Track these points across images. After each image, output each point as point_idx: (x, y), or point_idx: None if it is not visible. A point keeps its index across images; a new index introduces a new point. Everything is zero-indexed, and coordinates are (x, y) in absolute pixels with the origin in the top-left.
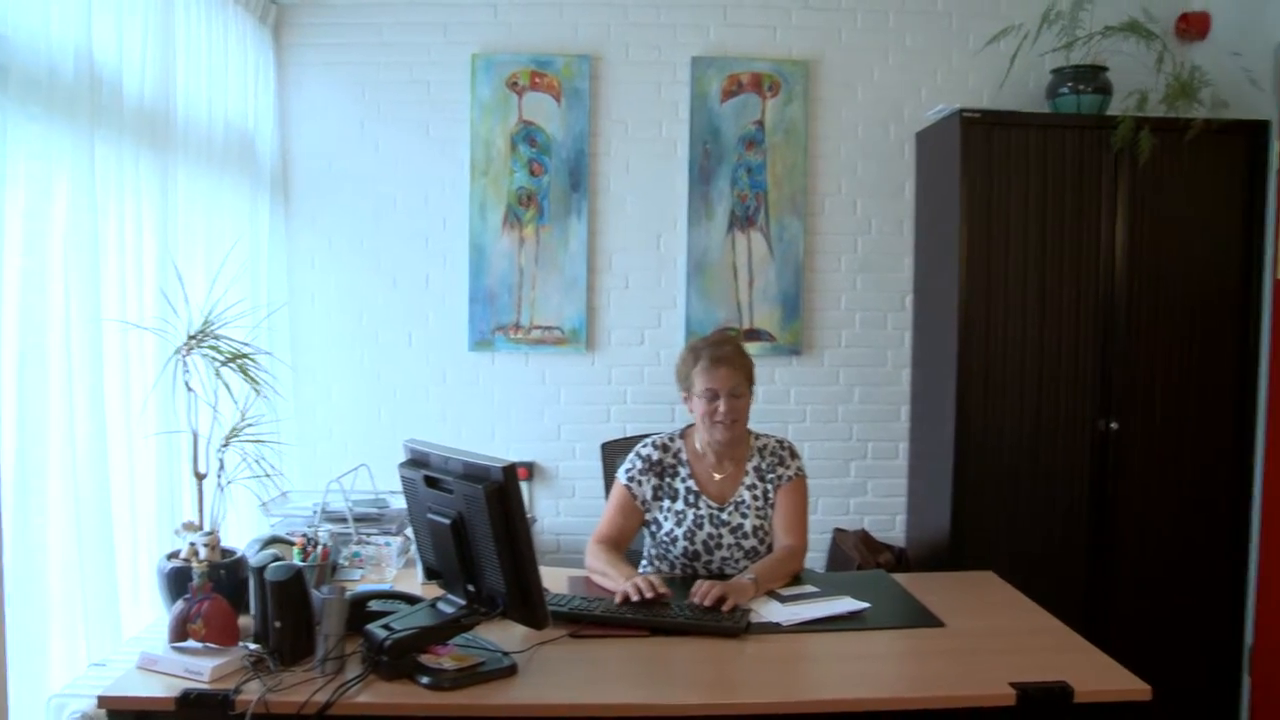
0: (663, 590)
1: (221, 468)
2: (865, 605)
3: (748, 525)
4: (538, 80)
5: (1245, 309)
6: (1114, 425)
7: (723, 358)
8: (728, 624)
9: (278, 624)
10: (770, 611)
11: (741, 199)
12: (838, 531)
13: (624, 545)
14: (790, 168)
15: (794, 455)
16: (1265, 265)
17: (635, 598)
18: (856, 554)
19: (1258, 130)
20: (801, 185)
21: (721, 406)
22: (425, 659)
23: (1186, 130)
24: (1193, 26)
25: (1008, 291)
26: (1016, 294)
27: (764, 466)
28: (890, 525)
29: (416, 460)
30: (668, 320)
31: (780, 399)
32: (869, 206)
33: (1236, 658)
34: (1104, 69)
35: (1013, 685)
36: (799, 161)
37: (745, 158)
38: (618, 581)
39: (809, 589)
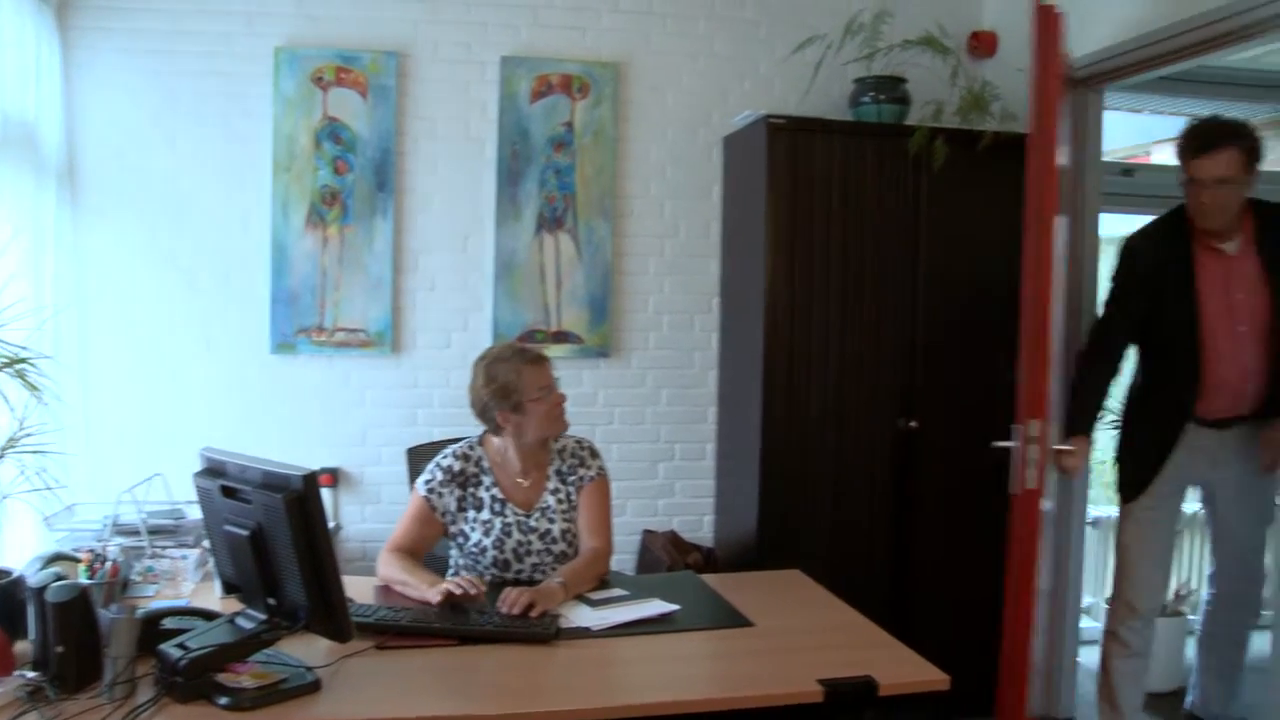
0: (481, 587)
1: None
2: (675, 607)
3: (555, 530)
4: (343, 76)
5: None
6: (914, 424)
7: (535, 358)
8: (536, 630)
9: (60, 649)
10: (580, 616)
11: (550, 200)
12: (646, 533)
13: (420, 556)
14: (599, 170)
15: (594, 455)
16: None
17: (458, 592)
18: (665, 555)
19: None
20: (610, 188)
21: (559, 393)
22: (224, 678)
23: (979, 141)
24: (983, 44)
25: (812, 294)
26: (820, 296)
27: (565, 469)
28: (699, 526)
29: (213, 469)
30: (475, 323)
31: (588, 401)
32: (677, 210)
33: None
34: (903, 80)
35: (820, 682)
36: (608, 164)
37: (554, 159)
38: (420, 588)
39: (618, 592)
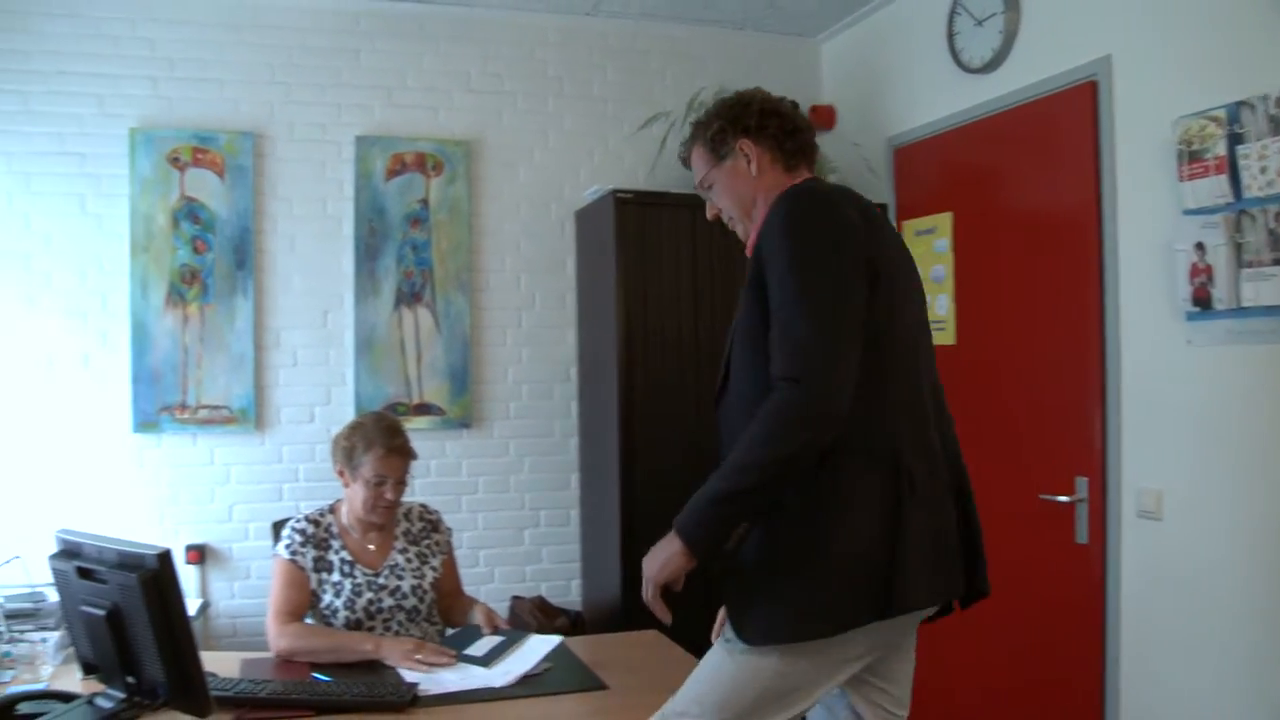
0: (448, 655)
1: None
2: (559, 639)
3: (405, 586)
4: (200, 156)
5: None
6: None
7: (397, 448)
8: (392, 698)
9: None
10: (480, 678)
11: (408, 276)
12: (515, 598)
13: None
14: (455, 245)
15: (440, 520)
16: None
17: (425, 668)
18: (533, 619)
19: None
20: (466, 262)
21: (388, 494)
22: None
23: None
24: (821, 118)
25: (664, 361)
26: (673, 364)
27: (415, 531)
28: (566, 590)
29: (68, 551)
30: (337, 396)
31: (452, 471)
32: (532, 282)
33: None
34: None
35: None
36: (464, 239)
37: (411, 235)
38: (364, 646)
39: (494, 640)
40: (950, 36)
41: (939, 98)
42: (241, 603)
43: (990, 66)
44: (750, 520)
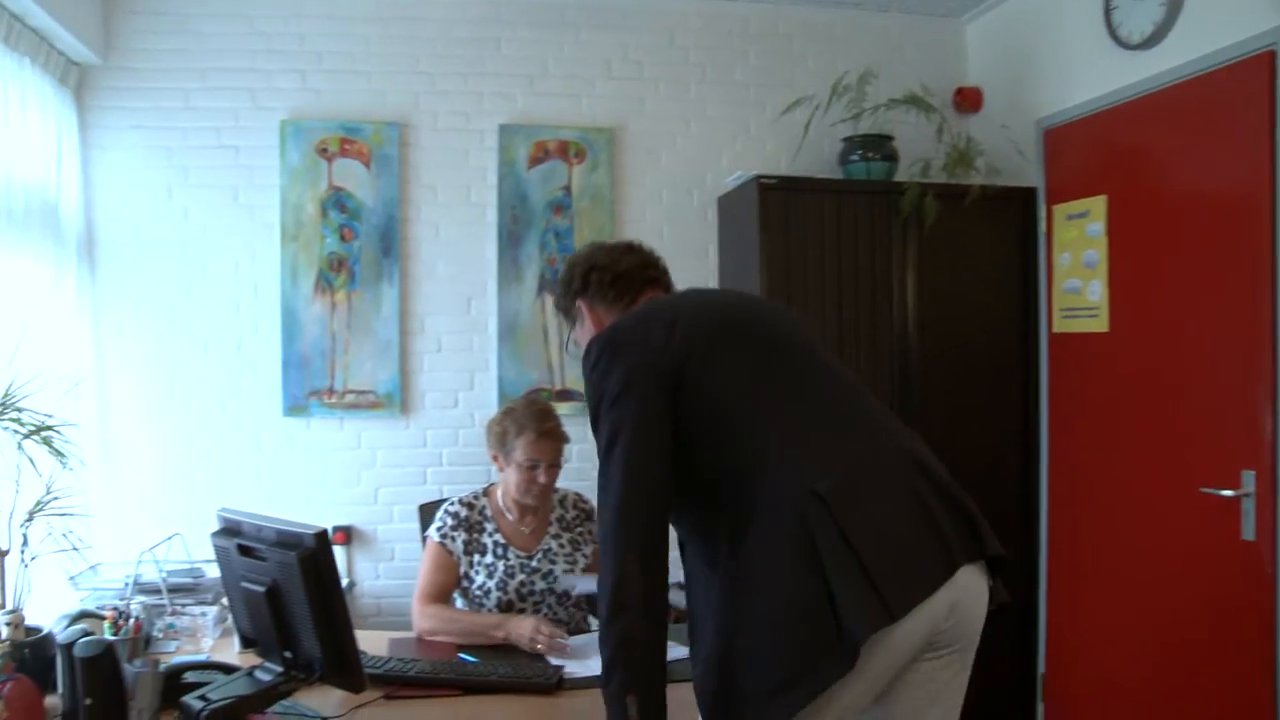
0: (565, 644)
1: (25, 543)
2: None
3: (558, 569)
4: (347, 147)
5: (1026, 360)
6: None
7: (549, 432)
8: (539, 681)
9: (88, 701)
10: (593, 667)
11: (550, 263)
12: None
13: (447, 604)
14: (597, 232)
15: (594, 511)
16: (1040, 320)
17: (542, 645)
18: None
19: (1027, 197)
20: None
21: (541, 477)
22: None
23: (965, 196)
24: (967, 100)
25: None
26: None
27: (569, 518)
28: None
29: (229, 529)
30: (481, 382)
31: (591, 457)
32: (674, 269)
33: (1031, 686)
34: (890, 138)
35: None
36: (606, 226)
37: (553, 222)
38: (497, 629)
39: None
40: (1107, 12)
41: (1093, 76)
42: (386, 583)
43: (1151, 41)
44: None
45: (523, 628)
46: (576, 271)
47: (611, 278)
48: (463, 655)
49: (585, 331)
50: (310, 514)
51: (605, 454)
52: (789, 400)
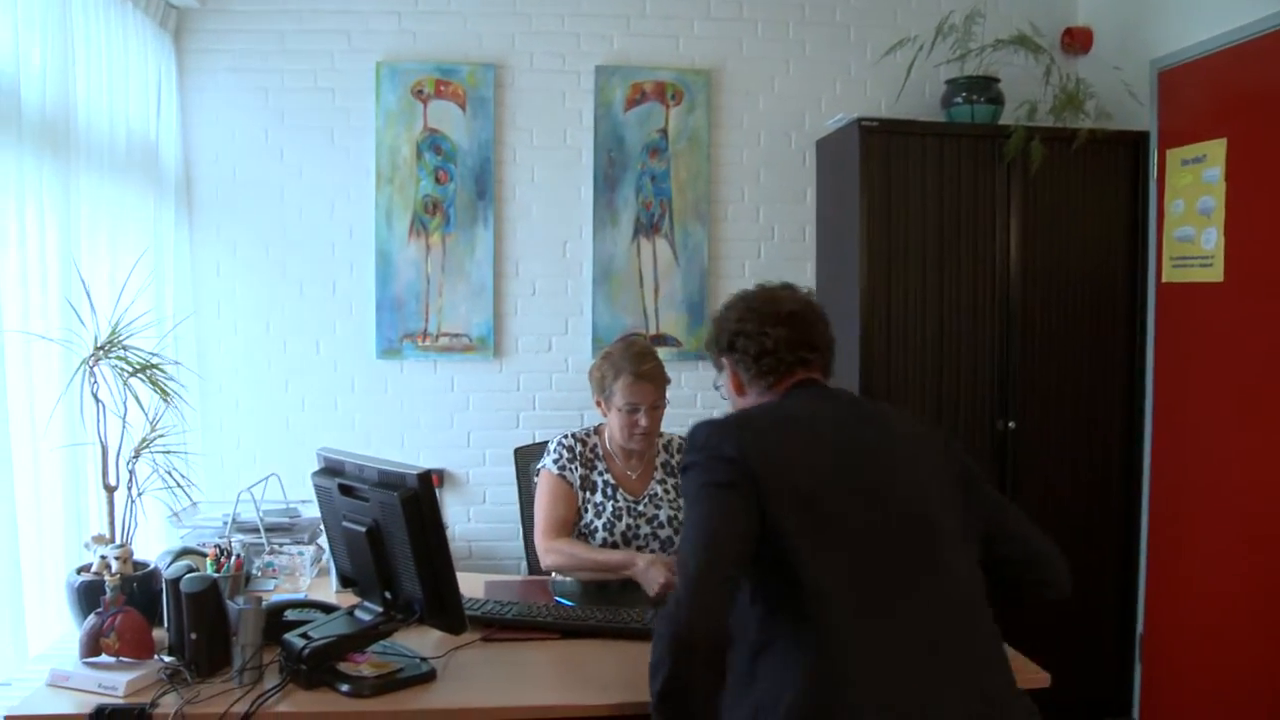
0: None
1: (132, 479)
2: None
3: (663, 515)
4: (442, 89)
5: (1132, 310)
6: (1011, 425)
7: (646, 373)
8: (636, 626)
9: (194, 635)
10: None
11: (646, 206)
12: None
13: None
14: (694, 175)
15: None
16: (1150, 268)
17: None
18: None
19: (1138, 141)
20: (705, 193)
21: (642, 420)
22: (344, 667)
23: (1074, 140)
24: (1077, 40)
25: (907, 296)
26: (916, 298)
27: (674, 463)
28: None
29: (331, 469)
30: (575, 327)
31: (687, 403)
32: (771, 213)
33: (1129, 645)
34: (996, 80)
35: None
36: (702, 169)
37: (649, 165)
38: (623, 567)
39: None
40: None
41: (1213, 15)
42: (477, 526)
43: None
44: None
45: (654, 573)
46: (725, 329)
47: (757, 351)
48: (560, 599)
49: (727, 386)
50: (402, 456)
51: (688, 526)
52: (868, 612)
